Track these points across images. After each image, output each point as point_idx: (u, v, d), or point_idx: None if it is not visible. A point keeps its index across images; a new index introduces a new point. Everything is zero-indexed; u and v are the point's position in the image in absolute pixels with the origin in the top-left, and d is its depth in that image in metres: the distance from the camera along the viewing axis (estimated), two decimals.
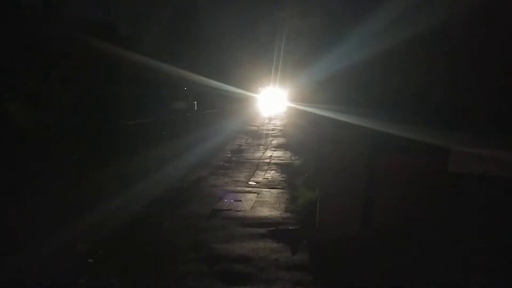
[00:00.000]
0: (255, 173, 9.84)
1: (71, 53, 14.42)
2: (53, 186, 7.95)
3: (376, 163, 4.76)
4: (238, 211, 6.58)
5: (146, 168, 9.79)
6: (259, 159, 12.08)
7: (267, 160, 11.81)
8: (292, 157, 12.08)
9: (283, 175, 9.62)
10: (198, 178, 9.11)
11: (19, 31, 13.72)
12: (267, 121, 29.61)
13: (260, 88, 40.69)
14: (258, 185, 8.58)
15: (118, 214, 6.34)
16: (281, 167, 10.66)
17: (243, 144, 15.99)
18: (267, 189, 8.14)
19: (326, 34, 5.00)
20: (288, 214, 6.42)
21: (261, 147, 15.08)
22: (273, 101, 39.43)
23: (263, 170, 10.25)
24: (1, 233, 5.27)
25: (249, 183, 8.78)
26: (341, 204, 4.95)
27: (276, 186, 8.43)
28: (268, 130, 22.34)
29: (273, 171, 10.13)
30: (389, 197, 4.54)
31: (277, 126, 24.66)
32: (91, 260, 4.70)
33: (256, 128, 23.62)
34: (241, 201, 7.21)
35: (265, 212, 6.55)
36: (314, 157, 8.51)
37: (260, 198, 7.44)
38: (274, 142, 16.76)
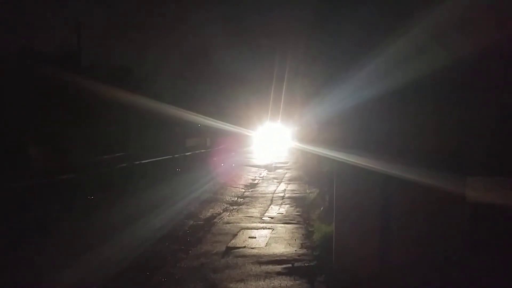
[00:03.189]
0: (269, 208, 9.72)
1: (87, 98, 15.00)
2: (70, 225, 7.99)
3: (391, 196, 4.65)
4: (252, 248, 6.44)
5: (159, 205, 9.79)
6: (273, 193, 11.97)
7: (282, 194, 11.69)
8: (307, 190, 11.92)
9: (298, 209, 9.48)
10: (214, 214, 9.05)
11: (38, 79, 14.39)
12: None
13: (263, 127, 40.66)
14: (272, 220, 8.45)
15: (132, 251, 6.29)
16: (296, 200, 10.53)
17: (257, 178, 15.94)
18: (282, 224, 8.00)
19: (328, 79, 5.07)
20: (304, 250, 6.25)
21: (275, 180, 14.99)
22: (276, 140, 38.61)
23: (277, 205, 10.13)
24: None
25: (263, 218, 8.65)
26: (357, 239, 4.81)
27: (291, 221, 8.28)
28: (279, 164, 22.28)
29: (287, 205, 10.00)
30: (408, 231, 4.39)
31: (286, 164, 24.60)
32: None
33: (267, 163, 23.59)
34: (255, 237, 7.08)
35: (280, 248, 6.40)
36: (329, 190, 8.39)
37: (274, 234, 7.30)
38: (288, 175, 16.65)
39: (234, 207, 10.00)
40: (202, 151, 26.02)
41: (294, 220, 8.41)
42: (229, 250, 6.36)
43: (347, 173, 5.00)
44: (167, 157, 19.40)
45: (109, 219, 8.64)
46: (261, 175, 16.96)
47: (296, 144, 22.65)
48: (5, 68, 14.48)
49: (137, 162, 16.70)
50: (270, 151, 34.19)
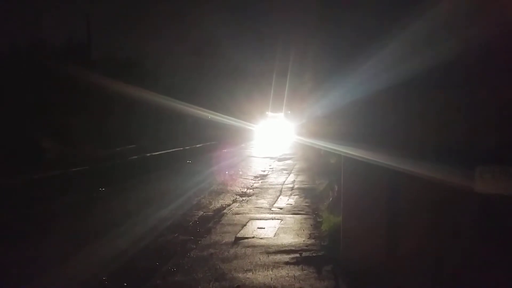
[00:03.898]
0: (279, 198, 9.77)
1: (98, 91, 15.15)
2: (80, 215, 8.17)
3: (398, 187, 4.63)
4: (261, 238, 6.50)
5: (170, 196, 9.92)
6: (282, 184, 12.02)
7: (291, 185, 11.72)
8: (316, 181, 11.92)
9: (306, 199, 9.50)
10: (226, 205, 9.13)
11: (50, 73, 14.57)
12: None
13: (266, 121, 38.93)
14: (281, 211, 8.49)
15: (142, 241, 6.42)
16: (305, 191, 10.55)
17: (266, 169, 15.98)
18: (291, 215, 8.04)
19: (333, 72, 5.03)
20: (312, 241, 6.28)
21: (285, 172, 15.02)
22: (281, 134, 36.15)
23: (286, 195, 10.17)
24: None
25: (272, 209, 8.70)
26: (365, 229, 4.82)
27: (299, 212, 8.32)
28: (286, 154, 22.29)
29: (296, 196, 10.03)
30: (415, 222, 4.38)
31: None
32: None
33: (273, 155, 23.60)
34: (264, 228, 7.13)
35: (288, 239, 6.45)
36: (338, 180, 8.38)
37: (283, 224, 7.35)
38: (297, 166, 16.65)
39: (244, 197, 10.07)
40: (211, 143, 26.13)
41: (303, 210, 8.44)
42: (238, 240, 6.42)
43: (354, 164, 4.99)
44: (178, 149, 19.58)
45: (118, 210, 8.82)
46: (271, 166, 16.99)
47: (301, 138, 22.46)
48: (18, 63, 14.71)
49: (149, 154, 16.89)
50: (276, 143, 33.52)
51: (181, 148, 20.47)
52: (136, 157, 16.27)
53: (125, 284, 4.95)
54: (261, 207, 8.90)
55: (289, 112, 33.26)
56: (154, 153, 17.38)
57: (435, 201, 4.17)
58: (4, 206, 8.43)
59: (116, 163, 14.62)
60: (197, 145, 24.23)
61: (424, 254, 4.17)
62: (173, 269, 5.25)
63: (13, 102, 12.46)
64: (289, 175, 14.11)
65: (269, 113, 35.20)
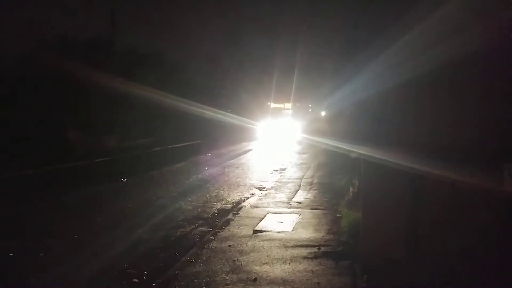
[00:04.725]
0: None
1: (121, 84, 15.46)
2: (100, 204, 8.37)
3: (421, 184, 4.53)
4: (279, 232, 6.51)
5: (190, 188, 10.04)
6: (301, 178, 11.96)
7: (310, 180, 11.66)
8: (335, 177, 11.80)
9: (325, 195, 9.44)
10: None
11: (74, 66, 14.93)
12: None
13: (275, 119, 32.11)
14: (300, 205, 8.47)
15: (162, 232, 6.53)
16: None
17: (284, 163, 15.95)
18: (310, 210, 8.01)
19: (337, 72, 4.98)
20: (330, 236, 6.24)
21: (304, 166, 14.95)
22: (289, 131, 30.71)
23: (305, 190, 10.12)
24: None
25: (290, 203, 8.69)
26: (385, 226, 4.75)
27: (318, 207, 8.27)
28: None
29: (315, 191, 9.97)
30: (438, 220, 4.28)
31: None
32: (136, 280, 4.83)
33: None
34: (282, 222, 7.13)
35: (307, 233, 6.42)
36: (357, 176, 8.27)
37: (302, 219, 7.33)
38: (316, 161, 16.52)
39: (262, 191, 10.09)
40: (228, 138, 26.09)
41: (321, 206, 8.38)
42: (256, 233, 6.45)
43: (375, 160, 4.92)
44: (197, 141, 19.75)
45: (138, 200, 8.97)
46: (289, 161, 16.93)
47: (310, 137, 21.51)
48: (44, 57, 15.13)
49: (170, 146, 17.12)
50: (290, 140, 30.12)
51: (199, 141, 20.64)
52: (158, 148, 16.52)
53: (146, 272, 5.05)
54: (279, 201, 8.89)
55: (298, 104, 31.45)
56: (174, 145, 17.60)
57: (459, 198, 4.06)
58: (38, 193, 8.74)
59: (137, 154, 14.90)
60: (223, 139, 24.36)
61: (445, 253, 4.08)
62: (192, 259, 5.32)
63: (41, 95, 12.86)
64: (308, 169, 14.01)
65: (272, 104, 30.12)
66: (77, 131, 14.45)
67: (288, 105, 30.48)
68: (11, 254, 5.57)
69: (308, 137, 21.79)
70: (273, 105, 30.28)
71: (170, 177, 12.22)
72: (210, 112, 22.07)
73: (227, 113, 25.66)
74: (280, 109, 30.17)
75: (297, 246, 5.78)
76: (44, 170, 10.36)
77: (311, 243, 5.87)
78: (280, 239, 6.11)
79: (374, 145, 4.59)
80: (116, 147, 14.96)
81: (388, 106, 4.49)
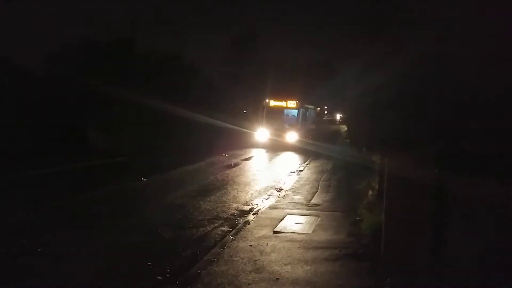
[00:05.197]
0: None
1: (140, 85, 15.74)
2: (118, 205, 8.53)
3: (446, 185, 4.50)
4: (299, 233, 6.53)
5: (209, 189, 10.14)
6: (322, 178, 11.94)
7: (327, 182, 11.62)
8: (354, 179, 11.74)
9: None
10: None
11: (96, 68, 15.28)
12: None
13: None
14: (319, 207, 8.46)
15: (183, 231, 6.63)
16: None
17: (301, 165, 15.93)
18: (328, 212, 8.00)
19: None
20: (351, 238, 6.23)
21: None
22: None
23: (323, 192, 10.11)
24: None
25: (309, 205, 8.69)
26: (408, 229, 4.73)
27: (337, 209, 8.26)
28: None
29: (334, 193, 9.95)
30: (466, 223, 4.24)
31: None
32: (160, 278, 4.93)
33: None
34: (301, 223, 7.15)
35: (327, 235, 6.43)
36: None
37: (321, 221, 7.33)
38: (332, 163, 16.45)
39: (280, 193, 10.10)
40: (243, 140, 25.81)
41: (340, 208, 8.36)
42: (276, 234, 6.49)
43: (398, 162, 4.90)
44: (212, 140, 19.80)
45: (158, 199, 9.08)
46: (306, 163, 16.86)
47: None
48: (67, 59, 15.54)
49: (185, 146, 17.30)
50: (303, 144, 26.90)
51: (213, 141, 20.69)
52: (174, 149, 16.70)
53: (168, 270, 5.14)
54: (298, 203, 8.90)
55: (310, 106, 25.26)
56: (191, 145, 17.75)
57: (492, 201, 4.02)
58: (64, 191, 8.99)
59: (153, 154, 15.12)
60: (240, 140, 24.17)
61: (474, 258, 4.04)
62: (214, 259, 5.39)
63: (64, 95, 13.20)
64: (325, 172, 13.95)
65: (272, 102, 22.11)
66: (99, 131, 14.78)
67: (292, 103, 21.86)
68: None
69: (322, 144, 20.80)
70: (272, 102, 21.99)
71: (188, 177, 12.31)
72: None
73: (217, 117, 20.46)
74: (281, 109, 22.08)
75: (318, 247, 5.79)
76: (67, 168, 10.66)
77: (332, 245, 5.88)
78: (300, 241, 6.13)
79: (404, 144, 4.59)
80: (134, 147, 15.22)
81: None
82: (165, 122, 18.24)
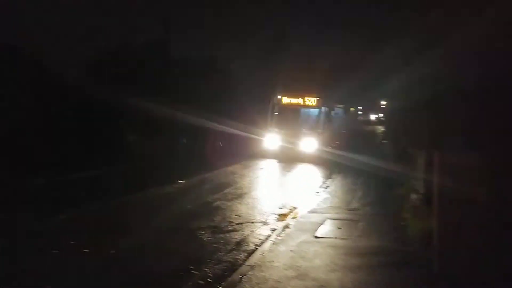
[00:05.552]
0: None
1: (177, 88, 15.99)
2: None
3: (506, 188, 4.17)
4: (342, 239, 6.31)
5: (246, 191, 10.06)
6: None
7: (366, 185, 11.26)
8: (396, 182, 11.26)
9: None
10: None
11: (131, 72, 15.67)
12: None
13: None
14: (359, 211, 8.19)
15: (225, 233, 6.56)
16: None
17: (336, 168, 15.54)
18: (370, 216, 7.71)
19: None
20: (396, 245, 5.94)
21: None
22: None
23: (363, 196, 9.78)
24: None
25: (349, 209, 8.42)
26: (463, 235, 4.41)
27: (379, 213, 7.95)
28: None
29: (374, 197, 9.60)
30: None
31: None
32: (202, 282, 4.87)
33: None
34: (341, 228, 6.92)
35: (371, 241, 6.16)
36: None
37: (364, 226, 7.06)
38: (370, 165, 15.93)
39: (317, 197, 9.86)
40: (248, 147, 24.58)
41: (383, 212, 8.05)
42: (318, 239, 6.30)
43: (449, 163, 4.60)
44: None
45: (195, 202, 9.03)
46: (329, 180, 16.14)
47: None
48: (103, 66, 16.07)
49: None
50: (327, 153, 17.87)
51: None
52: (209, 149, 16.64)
53: (210, 274, 5.07)
54: (337, 207, 8.66)
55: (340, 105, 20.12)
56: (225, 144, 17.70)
57: None
58: (105, 193, 9.21)
59: (192, 156, 15.26)
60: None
61: None
62: (255, 264, 5.27)
63: (103, 99, 13.59)
64: (362, 175, 13.53)
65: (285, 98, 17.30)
66: (134, 133, 15.15)
67: (311, 100, 17.04)
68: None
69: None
70: (286, 99, 17.19)
71: (222, 179, 12.21)
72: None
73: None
74: (297, 107, 17.21)
75: (362, 254, 5.56)
76: (105, 171, 10.96)
77: (377, 251, 5.63)
78: (343, 246, 5.91)
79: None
80: (171, 149, 15.46)
81: None
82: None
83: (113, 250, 5.81)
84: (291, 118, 16.95)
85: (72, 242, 6.01)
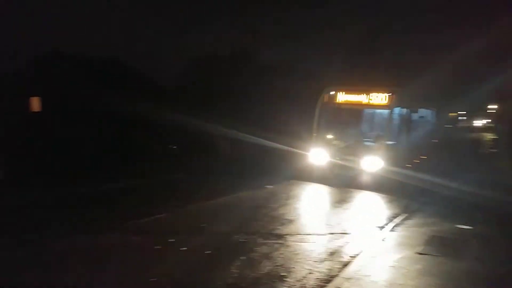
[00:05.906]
0: None
1: (267, 94, 16.13)
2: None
3: None
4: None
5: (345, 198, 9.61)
6: None
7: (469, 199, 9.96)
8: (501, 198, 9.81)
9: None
10: None
11: (221, 79, 16.28)
12: None
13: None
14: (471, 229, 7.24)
15: (309, 245, 6.26)
16: None
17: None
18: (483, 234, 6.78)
19: None
20: None
21: None
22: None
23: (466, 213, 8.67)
24: None
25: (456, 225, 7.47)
26: None
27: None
28: None
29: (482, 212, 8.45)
30: None
31: None
32: None
33: None
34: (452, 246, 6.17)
35: None
36: None
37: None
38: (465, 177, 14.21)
39: (411, 209, 8.90)
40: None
41: (495, 230, 7.06)
42: (420, 255, 5.71)
43: None
44: None
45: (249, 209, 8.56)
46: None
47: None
48: (196, 70, 17.00)
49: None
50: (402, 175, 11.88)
51: None
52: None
53: (306, 285, 4.84)
54: (436, 221, 7.75)
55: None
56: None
57: None
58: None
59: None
60: None
61: None
62: (353, 278, 4.93)
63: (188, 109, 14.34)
64: (457, 186, 12.08)
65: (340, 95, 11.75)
66: (225, 140, 15.67)
67: (379, 97, 11.16)
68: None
69: None
70: (341, 96, 11.74)
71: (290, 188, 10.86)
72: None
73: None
74: (357, 107, 11.74)
75: (474, 277, 4.85)
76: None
77: (492, 277, 4.87)
78: (457, 268, 5.22)
79: None
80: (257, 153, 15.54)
81: None
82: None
83: (209, 251, 5.91)
84: (348, 123, 12.00)
85: (170, 240, 6.26)
